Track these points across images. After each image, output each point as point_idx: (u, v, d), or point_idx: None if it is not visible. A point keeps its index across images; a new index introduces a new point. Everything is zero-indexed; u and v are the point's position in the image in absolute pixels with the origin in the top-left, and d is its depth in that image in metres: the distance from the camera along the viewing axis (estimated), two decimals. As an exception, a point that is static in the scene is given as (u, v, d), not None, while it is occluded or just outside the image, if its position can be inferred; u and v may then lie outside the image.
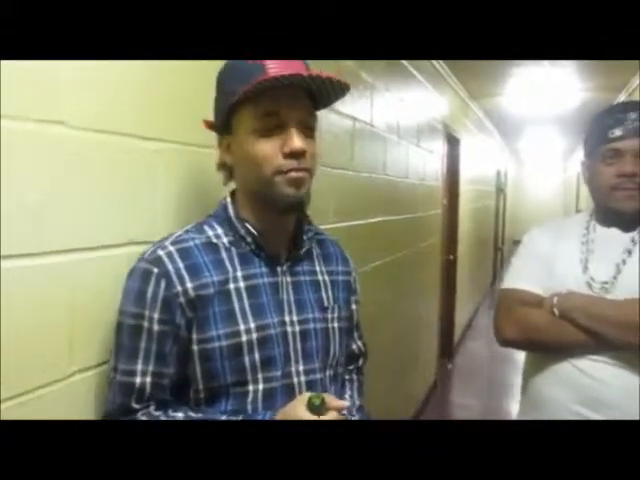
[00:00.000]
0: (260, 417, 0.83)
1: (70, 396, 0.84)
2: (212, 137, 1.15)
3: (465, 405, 3.96)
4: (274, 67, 0.81)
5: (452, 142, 4.48)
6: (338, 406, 0.80)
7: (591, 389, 1.15)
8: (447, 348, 4.66)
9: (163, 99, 1.02)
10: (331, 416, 0.78)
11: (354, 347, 1.09)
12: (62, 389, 0.82)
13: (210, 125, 0.91)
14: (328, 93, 0.87)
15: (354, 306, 1.07)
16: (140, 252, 0.96)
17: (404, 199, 2.96)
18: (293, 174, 0.83)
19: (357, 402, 1.06)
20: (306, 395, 0.80)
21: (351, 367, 1.10)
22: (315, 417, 0.77)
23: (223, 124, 0.88)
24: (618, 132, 1.19)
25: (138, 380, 0.82)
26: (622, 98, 4.50)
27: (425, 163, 3.45)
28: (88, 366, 0.87)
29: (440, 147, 3.95)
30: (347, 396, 1.04)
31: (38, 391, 0.78)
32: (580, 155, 1.33)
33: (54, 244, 0.80)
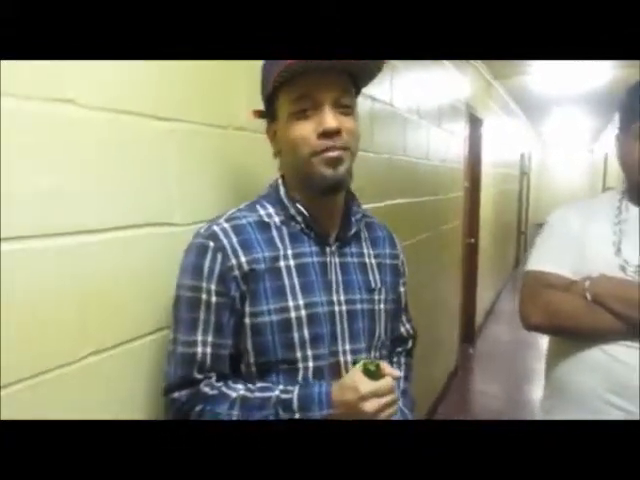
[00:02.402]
0: (317, 388, 0.84)
1: (84, 377, 0.83)
2: (226, 117, 1.13)
3: (486, 391, 3.92)
4: None
5: (475, 123, 4.38)
6: (392, 373, 0.83)
7: (621, 375, 1.11)
8: (469, 333, 4.62)
9: (176, 77, 1.00)
10: (386, 382, 0.80)
11: (402, 330, 1.11)
12: (76, 371, 0.81)
13: (259, 113, 0.94)
14: (364, 71, 0.88)
15: (402, 289, 1.09)
16: (154, 233, 0.95)
17: (425, 181, 2.90)
18: (329, 154, 0.84)
19: (402, 385, 1.06)
20: (360, 363, 0.82)
21: (400, 349, 1.11)
22: (372, 382, 0.79)
23: (268, 111, 0.91)
24: None
25: (199, 350, 0.85)
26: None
27: (447, 144, 3.38)
28: (103, 348, 0.86)
29: (462, 128, 3.86)
30: None
31: (53, 372, 0.78)
32: (608, 136, 1.26)
33: (65, 226, 0.79)
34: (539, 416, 1.32)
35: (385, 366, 0.82)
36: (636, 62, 4.16)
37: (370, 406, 0.78)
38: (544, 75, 4.84)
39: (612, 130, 6.68)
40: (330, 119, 0.83)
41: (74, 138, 0.80)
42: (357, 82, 0.90)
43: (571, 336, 1.21)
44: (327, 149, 0.84)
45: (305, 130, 0.84)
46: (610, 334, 1.12)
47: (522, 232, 9.04)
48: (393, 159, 2.32)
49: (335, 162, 0.85)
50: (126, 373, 0.91)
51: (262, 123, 0.94)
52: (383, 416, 0.80)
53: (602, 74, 4.71)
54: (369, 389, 0.79)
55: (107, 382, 0.88)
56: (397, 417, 0.96)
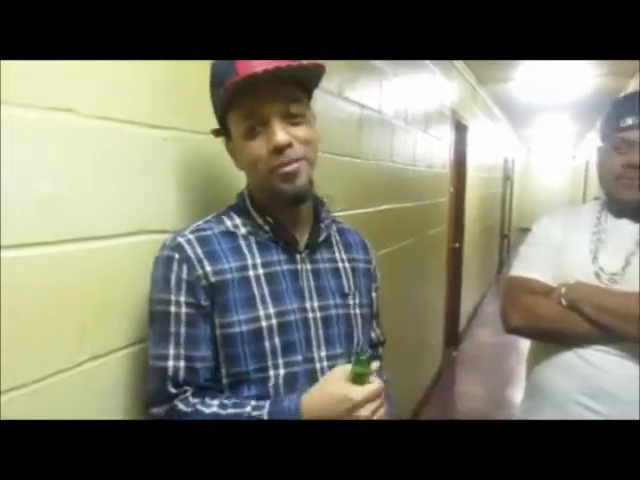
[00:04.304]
0: (286, 402, 0.82)
1: (82, 384, 0.85)
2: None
3: (470, 393, 3.98)
4: (242, 67, 0.80)
5: (460, 129, 4.44)
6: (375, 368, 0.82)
7: (594, 379, 1.15)
8: (453, 336, 4.67)
9: (172, 86, 1.02)
10: (374, 386, 0.79)
11: (372, 335, 1.11)
12: (74, 376, 0.83)
13: (216, 133, 0.93)
14: (307, 74, 0.85)
15: (374, 294, 1.08)
16: (150, 240, 0.96)
17: (411, 186, 2.94)
18: (284, 169, 0.84)
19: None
20: (338, 370, 0.82)
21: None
22: (362, 388, 0.78)
23: (223, 131, 0.91)
24: (630, 121, 1.17)
25: (171, 364, 0.84)
26: (633, 83, 4.44)
27: (433, 150, 3.43)
28: (100, 354, 0.88)
29: (448, 134, 3.92)
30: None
31: (52, 378, 0.79)
32: (589, 143, 1.31)
33: (61, 234, 0.80)
34: (518, 416, 1.37)
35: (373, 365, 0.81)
36: (617, 70, 4.26)
37: (365, 412, 0.78)
38: (527, 82, 4.92)
39: (593, 137, 6.81)
40: (279, 134, 0.81)
41: (70, 146, 0.81)
42: (305, 87, 0.88)
43: (549, 340, 1.26)
44: (281, 164, 0.83)
45: (257, 148, 0.83)
46: (585, 339, 1.17)
47: (505, 236, 9.15)
48: (381, 165, 2.36)
49: (291, 177, 0.84)
50: (123, 379, 0.93)
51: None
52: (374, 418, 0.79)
53: (584, 81, 4.81)
54: (362, 395, 0.78)
55: (104, 388, 0.89)
56: (386, 406, 0.97)
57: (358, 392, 0.78)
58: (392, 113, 2.49)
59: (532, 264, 1.29)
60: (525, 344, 1.42)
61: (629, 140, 1.17)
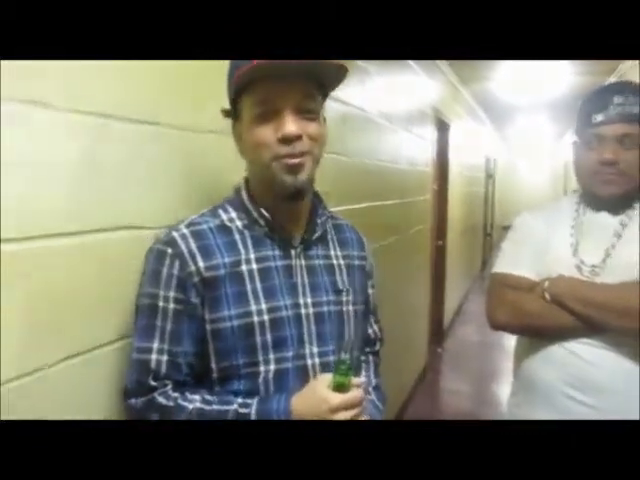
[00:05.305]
0: (275, 404, 0.82)
1: (58, 382, 0.83)
2: (196, 119, 1.14)
3: (455, 390, 4.00)
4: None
5: (442, 128, 4.47)
6: (358, 382, 0.84)
7: (582, 371, 1.16)
8: (437, 333, 4.69)
9: (146, 79, 0.99)
10: (354, 395, 0.81)
11: (370, 331, 1.11)
12: (50, 375, 0.81)
13: (226, 113, 0.93)
14: (328, 75, 0.87)
15: (370, 290, 1.08)
16: (127, 237, 0.94)
17: (394, 185, 2.95)
18: (289, 160, 0.83)
19: (373, 381, 1.07)
20: (324, 376, 0.83)
21: (368, 350, 1.11)
22: (341, 395, 0.80)
23: (233, 112, 0.90)
24: (600, 117, 1.18)
25: (154, 357, 0.84)
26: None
27: (415, 148, 3.44)
28: (76, 352, 0.86)
29: (430, 132, 3.94)
30: (363, 376, 1.04)
31: (30, 376, 0.78)
32: (568, 140, 1.32)
33: (37, 229, 0.78)
34: (507, 412, 1.37)
35: (353, 379, 0.82)
36: (595, 69, 4.33)
37: (339, 418, 0.79)
38: (508, 81, 4.98)
39: (571, 135, 6.91)
40: (290, 124, 0.82)
41: (46, 141, 0.79)
42: (323, 86, 0.89)
43: (535, 334, 1.26)
44: (287, 155, 0.83)
45: (266, 134, 0.83)
46: (570, 332, 1.17)
47: (488, 234, 9.24)
48: (364, 163, 2.36)
49: (295, 169, 0.84)
50: (98, 377, 0.91)
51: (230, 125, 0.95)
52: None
53: (564, 80, 4.87)
54: (339, 401, 0.79)
55: (79, 387, 0.87)
56: (371, 410, 0.97)
57: (336, 398, 0.80)
58: (375, 112, 2.49)
59: (514, 260, 1.30)
60: (509, 341, 1.42)
61: (601, 136, 1.18)
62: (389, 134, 2.78)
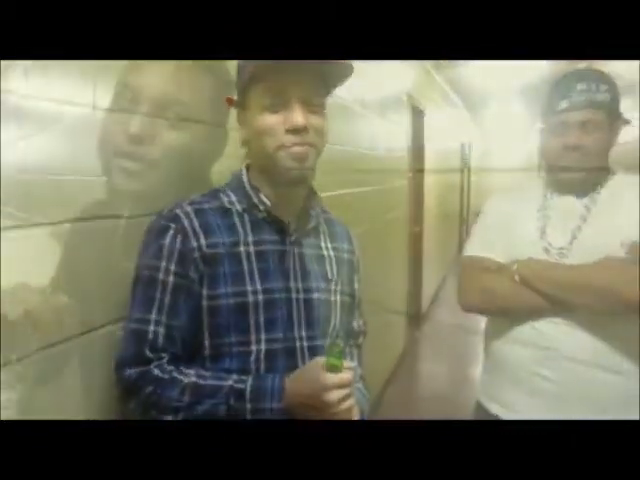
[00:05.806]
0: (269, 382, 0.85)
1: (35, 372, 0.82)
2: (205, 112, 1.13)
3: (432, 372, 4.08)
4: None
5: (417, 114, 4.49)
6: (350, 365, 0.87)
7: (549, 349, 1.20)
8: (415, 317, 4.76)
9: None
10: (347, 375, 0.83)
11: (354, 324, 1.12)
12: (28, 365, 0.80)
13: (231, 102, 0.96)
14: (335, 73, 0.92)
15: (356, 285, 1.11)
16: (103, 226, 0.94)
17: (371, 171, 2.97)
18: (295, 149, 0.88)
19: (359, 371, 1.09)
20: (318, 359, 0.86)
21: (351, 342, 1.12)
22: (334, 375, 0.82)
23: (241, 100, 0.93)
24: (564, 104, 1.21)
25: (152, 328, 0.86)
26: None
27: (390, 135, 3.46)
28: (54, 341, 0.85)
29: (405, 119, 3.96)
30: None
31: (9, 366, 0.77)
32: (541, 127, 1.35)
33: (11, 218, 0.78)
34: (479, 392, 1.41)
35: (345, 362, 0.85)
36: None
37: (333, 396, 0.81)
38: (483, 67, 5.01)
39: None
40: (298, 116, 0.86)
41: (21, 129, 0.78)
42: (328, 83, 0.94)
43: (505, 315, 1.30)
44: (293, 144, 0.87)
45: (274, 123, 0.87)
46: (540, 312, 1.21)
47: (464, 219, 9.36)
48: (339, 149, 2.37)
49: (300, 157, 0.88)
50: (78, 366, 0.90)
51: (216, 116, 0.96)
52: (343, 407, 0.83)
53: (538, 66, 4.92)
54: (332, 381, 0.82)
55: (60, 375, 0.87)
56: (358, 397, 0.98)
57: (330, 377, 0.82)
58: (350, 98, 2.50)
59: (484, 243, 1.33)
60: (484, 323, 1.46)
61: (565, 122, 1.21)
62: (364, 121, 2.79)
